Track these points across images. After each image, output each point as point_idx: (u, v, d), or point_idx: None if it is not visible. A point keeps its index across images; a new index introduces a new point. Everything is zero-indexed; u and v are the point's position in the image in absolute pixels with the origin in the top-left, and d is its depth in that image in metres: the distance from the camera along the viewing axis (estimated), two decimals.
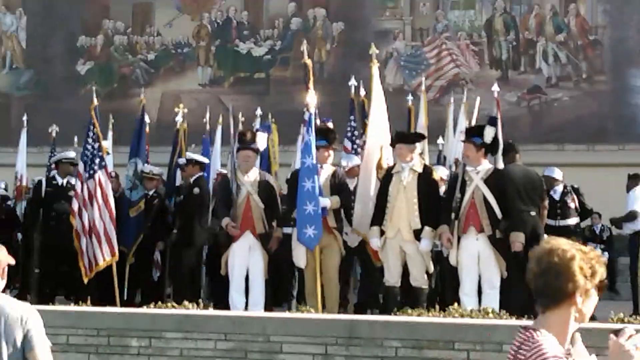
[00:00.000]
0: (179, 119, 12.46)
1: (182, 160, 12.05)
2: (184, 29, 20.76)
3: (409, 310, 6.75)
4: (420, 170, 9.62)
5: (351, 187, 10.38)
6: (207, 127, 13.48)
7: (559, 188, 12.48)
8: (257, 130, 9.96)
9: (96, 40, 21.06)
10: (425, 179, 9.58)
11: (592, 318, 10.81)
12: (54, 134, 14.52)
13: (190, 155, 11.57)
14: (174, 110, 13.28)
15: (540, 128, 19.15)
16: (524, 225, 10.08)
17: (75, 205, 10.40)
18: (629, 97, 19.28)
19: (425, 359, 6.09)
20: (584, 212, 12.80)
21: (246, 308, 9.47)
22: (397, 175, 9.64)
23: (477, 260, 9.32)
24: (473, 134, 9.65)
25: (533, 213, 10.66)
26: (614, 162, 17.37)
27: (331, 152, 9.87)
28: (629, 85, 19.28)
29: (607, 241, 15.91)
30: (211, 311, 6.89)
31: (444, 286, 10.89)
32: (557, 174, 12.64)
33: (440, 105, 17.62)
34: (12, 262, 4.88)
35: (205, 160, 11.54)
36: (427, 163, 10.60)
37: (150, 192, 11.42)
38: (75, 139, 14.39)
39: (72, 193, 11.38)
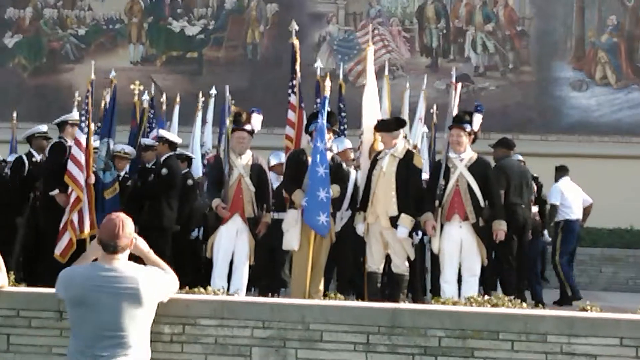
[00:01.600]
0: (145, 97, 12.08)
1: (147, 141, 11.73)
2: (116, 4, 20.20)
3: (453, 300, 6.70)
4: (401, 156, 9.58)
5: None
6: (164, 107, 13.16)
7: None
8: (252, 111, 9.71)
9: (25, 13, 20.26)
10: (405, 165, 9.53)
11: (540, 303, 11.14)
12: None
13: (162, 133, 11.26)
14: (104, 87, 12.89)
15: None
16: (514, 216, 10.33)
17: (80, 177, 9.97)
18: (553, 89, 19.73)
19: (468, 348, 6.04)
20: (541, 201, 13.07)
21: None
22: (380, 161, 9.63)
23: (459, 248, 9.39)
24: (463, 120, 9.67)
25: (524, 206, 10.97)
26: (537, 152, 17.72)
27: (331, 135, 9.73)
28: (554, 77, 19.73)
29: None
30: (249, 297, 6.70)
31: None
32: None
33: None
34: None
35: (177, 139, 11.24)
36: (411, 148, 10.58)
37: (122, 173, 11.06)
38: (15, 114, 13.82)
39: None
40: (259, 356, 6.08)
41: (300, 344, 6.13)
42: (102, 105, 11.68)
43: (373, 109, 10.17)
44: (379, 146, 10.02)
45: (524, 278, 12.01)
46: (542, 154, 17.48)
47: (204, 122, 13.86)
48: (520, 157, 12.69)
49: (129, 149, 11.27)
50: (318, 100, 11.86)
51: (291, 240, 9.39)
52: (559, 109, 19.60)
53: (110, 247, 5.31)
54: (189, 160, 12.28)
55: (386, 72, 12.91)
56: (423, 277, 11.58)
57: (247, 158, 9.61)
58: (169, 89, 17.11)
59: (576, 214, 13.59)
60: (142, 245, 5.69)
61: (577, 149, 18.57)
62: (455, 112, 10.03)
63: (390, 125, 9.81)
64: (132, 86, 12.50)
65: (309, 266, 9.21)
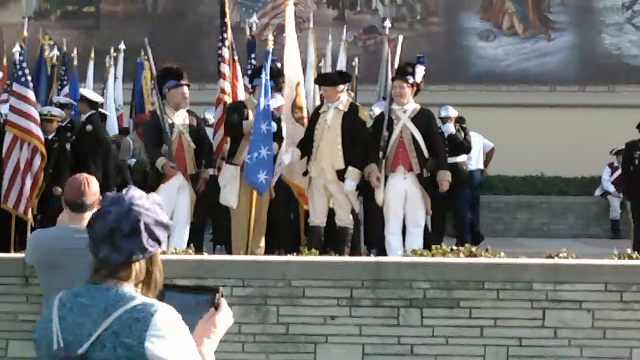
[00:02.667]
0: (55, 53, 11.44)
1: (61, 99, 11.14)
2: None
3: (436, 251, 6.53)
4: (345, 109, 9.52)
5: None
6: (75, 62, 12.51)
7: (451, 125, 12.73)
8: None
9: None
10: (351, 118, 9.48)
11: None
12: None
13: (82, 92, 10.70)
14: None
15: (375, 68, 19.08)
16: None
17: (40, 134, 9.34)
18: (461, 40, 19.71)
19: (454, 299, 5.92)
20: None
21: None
22: (323, 114, 9.56)
23: (404, 199, 9.35)
24: (406, 72, 9.55)
25: None
26: (446, 102, 17.70)
27: (276, 94, 9.53)
28: (461, 27, 19.68)
29: None
30: (227, 256, 6.40)
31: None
32: (452, 112, 12.94)
33: (279, 44, 17.34)
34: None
35: (99, 99, 10.70)
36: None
37: (50, 136, 10.43)
38: None
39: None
40: (239, 315, 5.79)
41: (282, 301, 5.93)
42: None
43: (293, 65, 10.14)
44: (302, 101, 10.07)
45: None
46: (450, 104, 17.46)
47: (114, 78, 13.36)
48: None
49: (56, 110, 10.58)
50: (253, 56, 11.70)
51: (229, 196, 9.19)
52: (467, 59, 19.59)
53: (77, 205, 5.09)
54: (103, 118, 11.76)
55: (311, 25, 12.72)
56: (358, 229, 11.47)
57: (183, 114, 9.28)
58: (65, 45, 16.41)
59: (474, 164, 13.75)
60: None
61: (485, 99, 18.63)
62: (394, 64, 10.11)
63: (334, 79, 9.78)
64: (42, 41, 11.80)
65: (251, 223, 9.00)
